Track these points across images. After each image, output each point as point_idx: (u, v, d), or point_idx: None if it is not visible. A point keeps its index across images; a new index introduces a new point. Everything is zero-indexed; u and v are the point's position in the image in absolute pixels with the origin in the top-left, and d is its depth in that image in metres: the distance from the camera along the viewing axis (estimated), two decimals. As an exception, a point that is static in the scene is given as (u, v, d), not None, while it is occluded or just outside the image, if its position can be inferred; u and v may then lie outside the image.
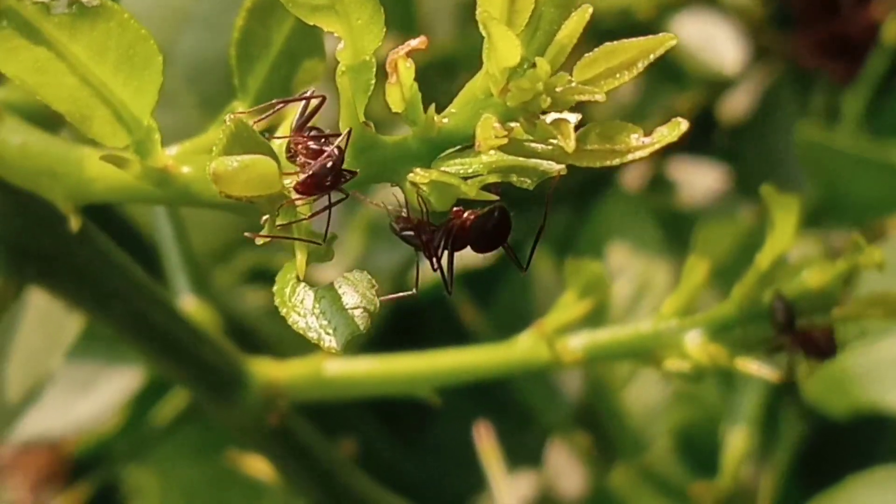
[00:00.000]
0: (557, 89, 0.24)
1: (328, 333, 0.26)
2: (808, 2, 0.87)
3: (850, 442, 0.71)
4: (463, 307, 0.73)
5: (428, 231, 0.27)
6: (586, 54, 0.25)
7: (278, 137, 0.28)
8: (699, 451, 0.71)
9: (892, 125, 0.80)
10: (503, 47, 0.24)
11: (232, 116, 0.26)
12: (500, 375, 0.45)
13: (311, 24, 0.26)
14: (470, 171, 0.26)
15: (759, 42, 0.88)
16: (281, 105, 0.29)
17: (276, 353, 0.47)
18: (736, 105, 0.88)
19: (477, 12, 0.25)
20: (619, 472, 0.71)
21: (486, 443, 0.65)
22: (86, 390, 0.66)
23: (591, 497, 0.75)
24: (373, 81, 0.26)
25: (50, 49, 0.28)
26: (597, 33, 0.26)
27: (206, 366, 0.44)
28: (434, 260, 0.27)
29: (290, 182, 0.27)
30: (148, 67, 0.29)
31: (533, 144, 0.25)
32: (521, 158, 0.25)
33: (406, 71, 0.25)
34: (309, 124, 0.28)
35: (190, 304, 0.48)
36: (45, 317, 0.51)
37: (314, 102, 0.28)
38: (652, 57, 0.24)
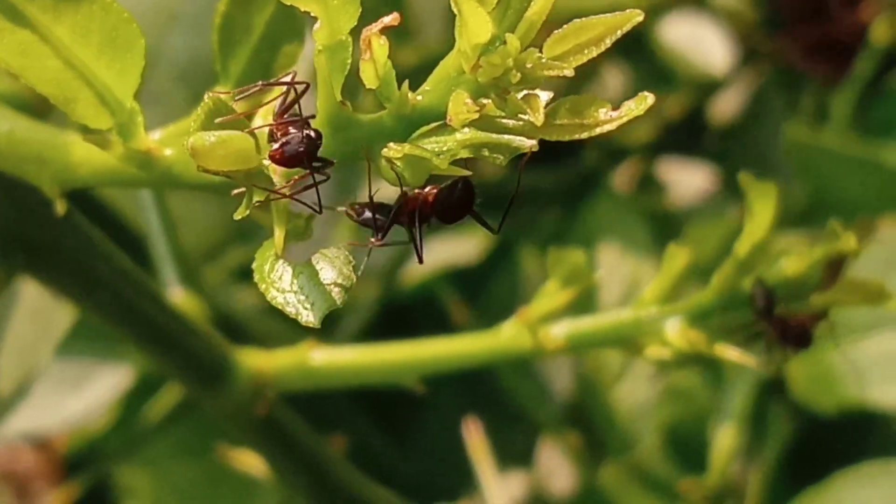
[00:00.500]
0: (527, 65, 0.25)
1: (306, 308, 0.27)
2: (797, 4, 0.88)
3: (837, 438, 0.71)
4: (452, 306, 0.74)
5: (385, 210, 0.28)
6: (555, 31, 0.25)
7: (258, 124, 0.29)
8: (688, 448, 0.71)
9: (880, 125, 0.81)
10: (474, 24, 0.25)
11: (210, 94, 0.26)
12: (484, 363, 0.46)
13: (288, 4, 0.26)
14: (445, 148, 0.26)
15: (749, 44, 0.89)
16: (261, 87, 0.29)
17: (265, 350, 0.47)
18: (725, 106, 0.89)
19: (449, -11, 0.25)
20: (609, 470, 0.72)
21: (475, 438, 0.66)
22: (77, 388, 0.66)
23: (581, 495, 0.75)
24: (349, 61, 0.27)
25: (34, 32, 0.29)
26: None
27: (194, 356, 0.44)
28: (382, 235, 0.28)
29: (267, 161, 0.27)
30: (130, 50, 0.29)
31: (504, 120, 0.26)
32: (493, 135, 0.26)
33: (380, 48, 0.25)
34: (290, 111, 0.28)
35: (178, 296, 0.48)
36: (37, 310, 0.52)
37: (298, 88, 0.28)
38: (619, 33, 0.25)
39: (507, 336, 0.43)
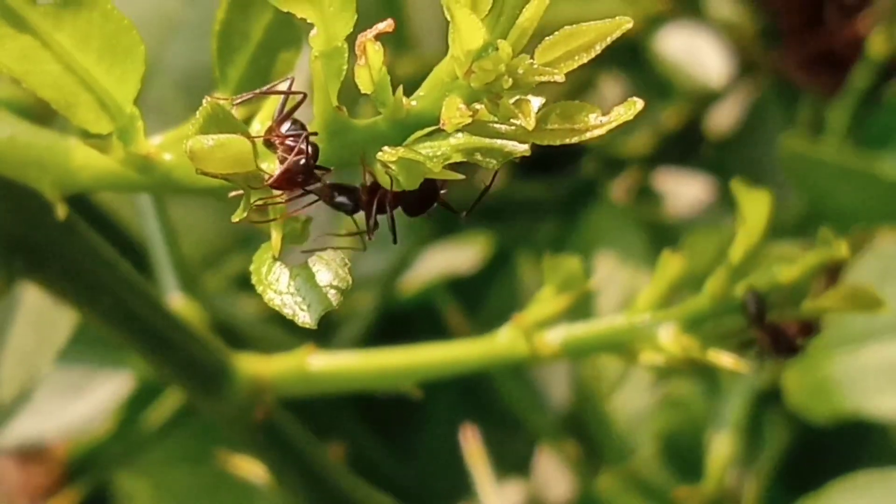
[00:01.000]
0: (519, 71, 0.25)
1: (302, 310, 0.28)
2: (794, 17, 0.88)
3: (833, 447, 0.71)
4: (450, 314, 0.74)
5: (353, 194, 0.28)
6: (547, 38, 0.26)
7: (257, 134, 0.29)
8: (684, 456, 0.71)
9: (877, 137, 0.81)
10: (467, 30, 0.25)
11: (209, 99, 0.27)
12: (480, 369, 0.46)
13: (286, 11, 0.27)
14: (439, 152, 0.27)
15: (746, 56, 0.89)
16: (259, 94, 0.30)
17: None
18: (722, 118, 0.89)
19: (442, -3, 0.26)
20: (605, 478, 0.72)
21: (472, 446, 0.66)
22: (77, 394, 0.66)
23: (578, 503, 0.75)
24: (345, 67, 0.27)
25: (35, 37, 0.29)
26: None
27: (193, 361, 0.45)
28: (372, 219, 0.29)
29: (266, 166, 0.28)
30: (130, 56, 0.30)
31: (497, 125, 0.26)
32: (486, 139, 0.26)
33: (375, 54, 0.26)
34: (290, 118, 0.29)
35: (177, 302, 0.49)
36: (38, 316, 0.52)
37: (296, 98, 0.29)
38: (609, 39, 0.25)
39: (503, 341, 0.43)
